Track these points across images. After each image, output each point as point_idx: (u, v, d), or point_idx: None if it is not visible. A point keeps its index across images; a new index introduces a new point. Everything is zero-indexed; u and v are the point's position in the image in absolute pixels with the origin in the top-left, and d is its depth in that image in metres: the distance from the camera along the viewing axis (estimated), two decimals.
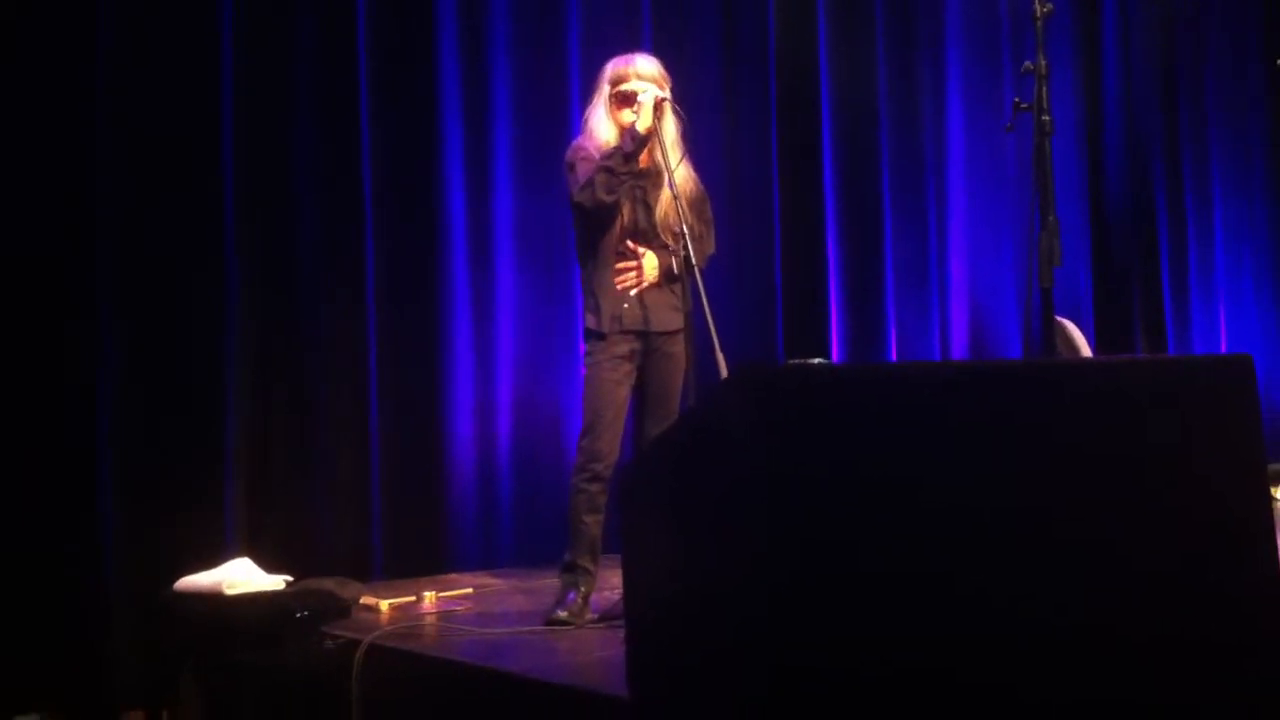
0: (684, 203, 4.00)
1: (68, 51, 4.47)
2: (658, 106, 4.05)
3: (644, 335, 4.11)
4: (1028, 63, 3.89)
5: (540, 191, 4.43)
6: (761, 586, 2.22)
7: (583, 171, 4.06)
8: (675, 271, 4.12)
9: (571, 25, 5.62)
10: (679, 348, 4.16)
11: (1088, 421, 2.50)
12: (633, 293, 4.09)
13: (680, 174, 4.07)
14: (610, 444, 4.07)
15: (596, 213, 4.05)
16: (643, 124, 4.02)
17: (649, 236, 4.14)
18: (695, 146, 4.26)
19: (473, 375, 5.36)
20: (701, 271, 3.86)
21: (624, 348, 4.09)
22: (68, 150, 4.48)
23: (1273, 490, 2.98)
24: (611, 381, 4.07)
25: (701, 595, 2.45)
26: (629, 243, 4.11)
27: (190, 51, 4.73)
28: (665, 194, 4.11)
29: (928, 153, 6.68)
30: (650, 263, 4.12)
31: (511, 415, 5.44)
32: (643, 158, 4.10)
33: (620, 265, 4.11)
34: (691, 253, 3.87)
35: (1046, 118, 3.85)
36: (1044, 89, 3.86)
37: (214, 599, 4.22)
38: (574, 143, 4.21)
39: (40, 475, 4.34)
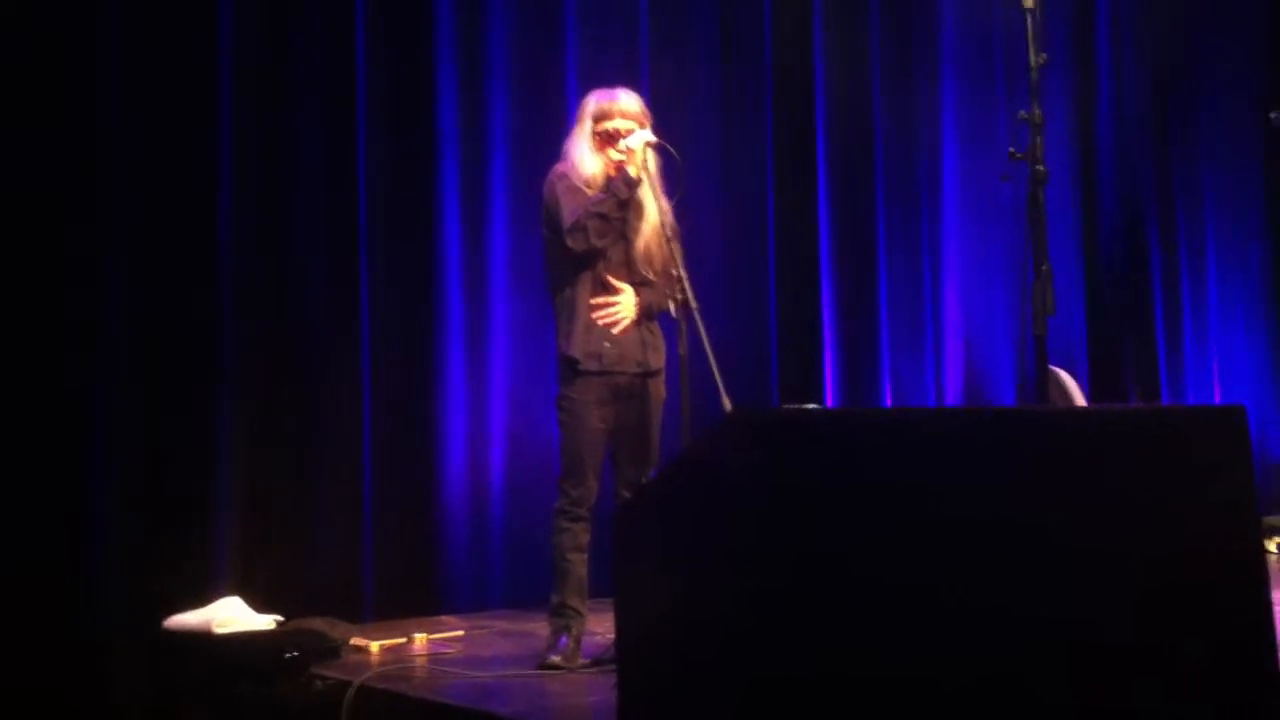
0: (678, 245, 4.02)
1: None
2: (647, 148, 4.07)
3: (623, 375, 4.11)
4: (1023, 112, 3.92)
5: (536, 223, 4.44)
6: (755, 626, 2.22)
7: (568, 204, 4.07)
8: (655, 309, 4.14)
9: (569, 61, 5.65)
10: (657, 387, 4.17)
11: (1080, 469, 2.51)
12: (615, 330, 4.10)
13: (660, 212, 4.09)
14: (593, 485, 4.09)
15: (586, 255, 4.07)
16: (635, 169, 4.04)
17: (628, 270, 4.16)
18: (690, 185, 4.27)
19: (466, 408, 5.35)
20: (700, 312, 3.87)
21: (602, 390, 4.08)
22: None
23: (1267, 543, 2.98)
24: (590, 426, 4.07)
25: (695, 632, 2.44)
26: (609, 278, 4.12)
27: (187, 86, 4.72)
28: (645, 228, 4.14)
29: (923, 197, 6.71)
30: (629, 300, 4.13)
31: (505, 447, 5.43)
32: None
33: (598, 301, 4.11)
34: (690, 296, 3.88)
35: (1041, 167, 3.88)
36: (1039, 139, 3.88)
37: (203, 638, 4.20)
38: (556, 168, 4.20)
39: (30, 508, 4.29)
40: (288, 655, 4.01)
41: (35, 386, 4.34)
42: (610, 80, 4.35)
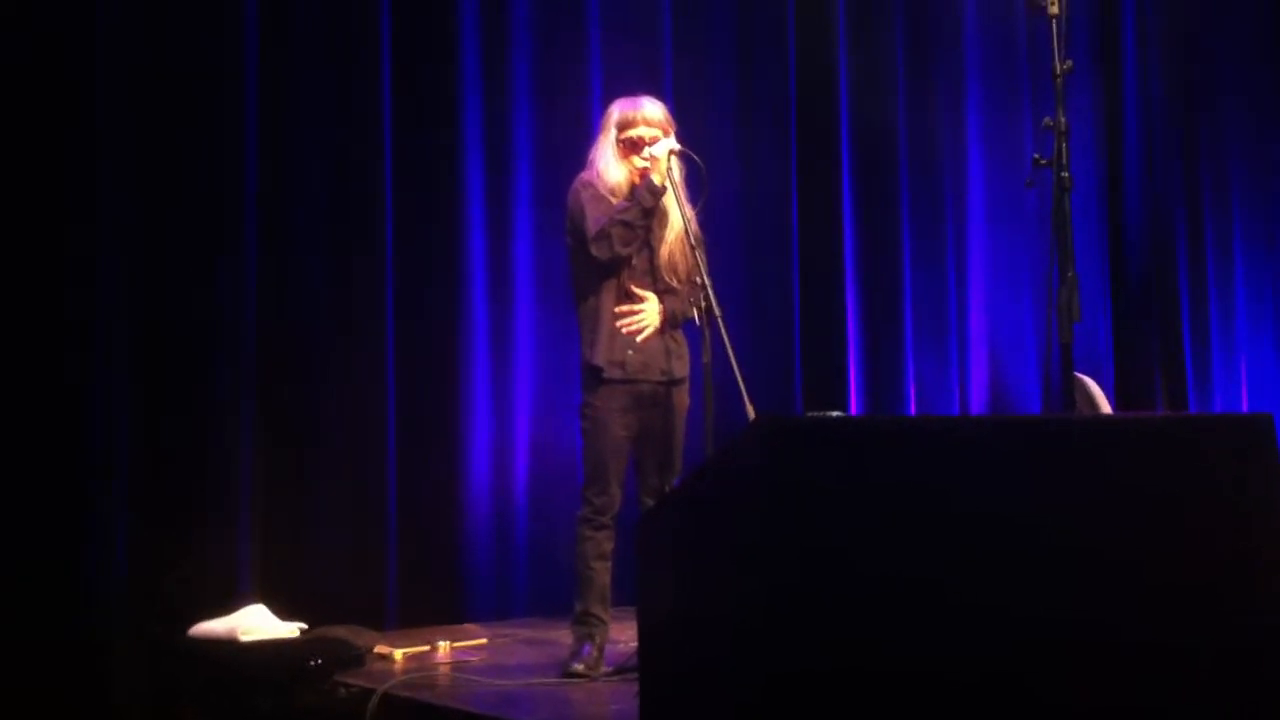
0: (702, 253, 4.02)
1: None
2: (671, 156, 4.07)
3: (646, 383, 4.11)
4: (1047, 119, 3.90)
5: (560, 232, 4.46)
6: (779, 636, 2.21)
7: (593, 213, 4.07)
8: (679, 318, 4.14)
9: (593, 70, 5.66)
10: (681, 396, 4.16)
11: (1106, 476, 2.49)
12: (638, 339, 4.10)
13: (684, 220, 4.08)
14: (616, 493, 4.09)
15: (610, 264, 4.07)
16: (659, 177, 4.04)
17: (652, 278, 4.15)
18: (714, 192, 4.27)
19: (489, 416, 5.36)
20: (724, 320, 3.87)
21: (626, 398, 4.08)
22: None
23: None
24: (613, 434, 4.07)
25: (717, 640, 2.44)
26: (632, 287, 4.12)
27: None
28: (669, 236, 4.14)
29: (947, 204, 6.69)
30: (653, 308, 4.13)
31: (529, 455, 5.44)
32: None
33: (622, 310, 4.11)
34: (714, 303, 3.88)
35: (1066, 174, 3.85)
36: (1064, 145, 3.86)
37: (228, 646, 4.21)
38: (581, 177, 4.21)
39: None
40: (312, 663, 4.02)
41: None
42: (634, 89, 4.36)
